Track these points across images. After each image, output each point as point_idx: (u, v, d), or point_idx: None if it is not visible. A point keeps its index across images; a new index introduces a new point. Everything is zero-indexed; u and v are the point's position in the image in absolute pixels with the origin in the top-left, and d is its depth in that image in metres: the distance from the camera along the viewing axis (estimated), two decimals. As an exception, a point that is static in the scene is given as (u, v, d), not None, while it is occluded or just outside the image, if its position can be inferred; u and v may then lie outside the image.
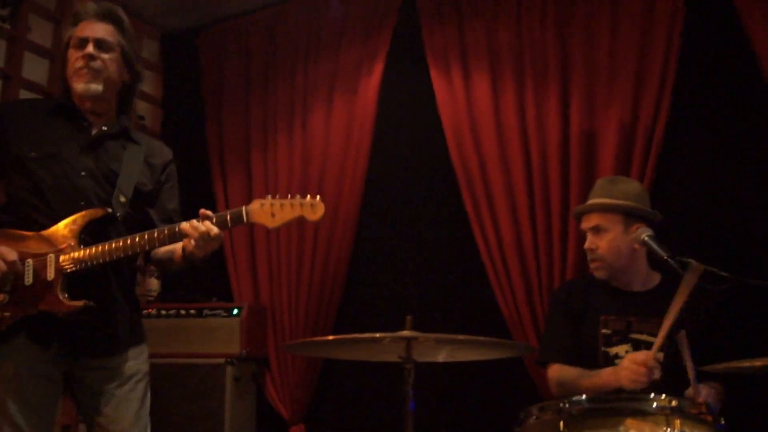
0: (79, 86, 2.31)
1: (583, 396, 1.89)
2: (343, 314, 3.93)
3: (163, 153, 2.50)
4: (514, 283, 3.52)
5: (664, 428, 1.82)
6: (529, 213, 3.56)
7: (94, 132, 2.34)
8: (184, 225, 2.14)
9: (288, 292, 4.00)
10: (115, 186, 2.27)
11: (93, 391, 2.25)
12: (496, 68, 3.77)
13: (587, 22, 3.58)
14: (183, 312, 3.78)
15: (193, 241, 2.12)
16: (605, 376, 2.48)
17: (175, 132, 4.52)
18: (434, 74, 3.89)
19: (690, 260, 2.24)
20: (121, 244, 2.16)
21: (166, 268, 2.41)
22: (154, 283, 4.13)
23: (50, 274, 2.14)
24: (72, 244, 2.16)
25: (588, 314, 2.67)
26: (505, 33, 3.76)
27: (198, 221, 2.14)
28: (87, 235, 2.20)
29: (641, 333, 2.60)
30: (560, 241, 3.48)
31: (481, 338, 2.14)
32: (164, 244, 2.20)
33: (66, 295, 2.13)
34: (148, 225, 2.30)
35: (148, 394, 2.36)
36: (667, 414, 1.84)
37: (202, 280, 3.95)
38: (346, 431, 3.79)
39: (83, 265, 2.15)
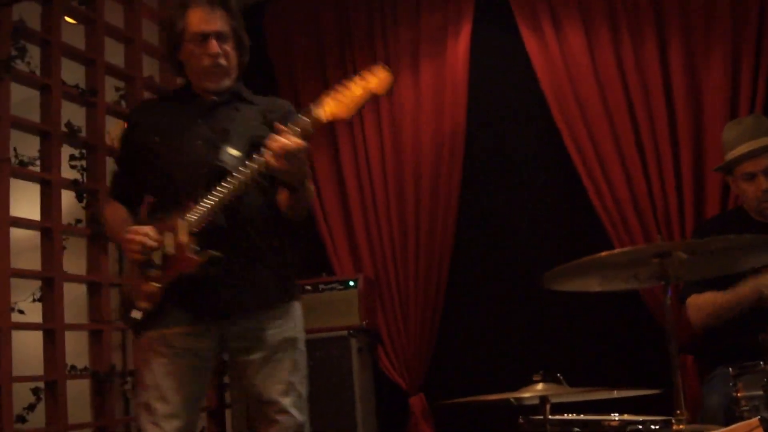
0: (211, 86, 2.33)
1: None
2: (454, 282, 3.88)
3: (283, 105, 2.44)
4: (636, 241, 3.44)
5: None
6: (642, 166, 3.50)
7: (205, 102, 2.34)
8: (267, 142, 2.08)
9: (394, 264, 3.96)
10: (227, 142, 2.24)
11: (242, 360, 2.26)
12: (587, 18, 3.68)
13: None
14: (299, 288, 3.78)
15: (274, 156, 2.05)
16: (743, 287, 2.55)
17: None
18: (525, 31, 3.80)
19: None
20: (225, 188, 2.12)
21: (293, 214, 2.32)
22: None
23: (183, 237, 2.15)
24: (192, 204, 2.16)
25: None
26: (594, -19, 3.67)
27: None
28: (206, 192, 2.17)
29: None
30: (675, 191, 3.42)
31: None
32: (263, 172, 2.12)
33: (195, 252, 2.15)
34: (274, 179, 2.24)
35: (302, 361, 2.33)
36: None
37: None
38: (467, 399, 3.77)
39: (204, 217, 2.14)
